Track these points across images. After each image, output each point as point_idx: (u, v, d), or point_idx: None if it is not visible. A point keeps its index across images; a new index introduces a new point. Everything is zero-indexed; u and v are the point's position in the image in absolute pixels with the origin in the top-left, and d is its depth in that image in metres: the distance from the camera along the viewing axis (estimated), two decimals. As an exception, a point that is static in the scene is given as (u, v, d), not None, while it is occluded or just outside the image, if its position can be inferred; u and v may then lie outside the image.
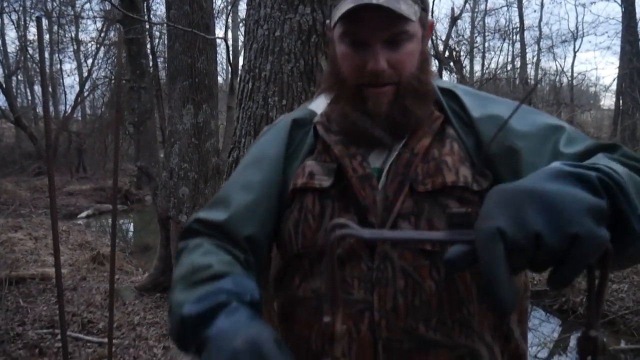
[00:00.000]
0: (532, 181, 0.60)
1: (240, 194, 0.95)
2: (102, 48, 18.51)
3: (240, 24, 17.16)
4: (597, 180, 0.61)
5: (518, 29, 19.88)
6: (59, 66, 23.58)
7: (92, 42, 19.99)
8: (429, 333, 0.82)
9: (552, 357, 5.30)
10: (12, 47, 26.89)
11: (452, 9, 15.90)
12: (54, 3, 19.47)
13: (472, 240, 0.57)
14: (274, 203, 0.96)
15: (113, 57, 17.74)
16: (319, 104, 1.05)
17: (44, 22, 17.95)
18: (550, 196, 0.57)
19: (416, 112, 0.92)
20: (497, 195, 0.60)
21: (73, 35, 21.57)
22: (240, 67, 2.81)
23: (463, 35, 18.50)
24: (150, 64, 13.80)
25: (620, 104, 14.47)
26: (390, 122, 0.92)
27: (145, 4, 13.20)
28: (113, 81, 16.46)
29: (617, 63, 15.69)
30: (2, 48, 20.84)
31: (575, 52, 38.24)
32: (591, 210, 0.56)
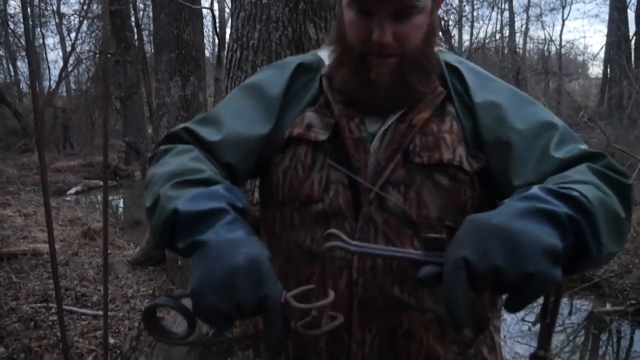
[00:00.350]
0: (502, 216, 0.65)
1: (234, 121, 0.96)
2: (86, 21, 18.15)
3: (226, -5, 16.89)
4: (565, 218, 0.66)
5: (507, -3, 19.75)
6: (41, 40, 23.14)
7: (75, 15, 19.61)
8: (403, 295, 0.87)
9: (539, 319, 5.43)
10: (-8, 22, 26.30)
11: (440, -23, 15.68)
12: (34, -25, 19.01)
13: (441, 263, 0.64)
14: (262, 142, 0.97)
15: (97, 31, 17.43)
16: (328, 55, 1.03)
17: (24, -5, 17.52)
18: (514, 234, 0.62)
19: (417, 87, 0.93)
20: (470, 225, 0.66)
21: (55, 8, 21.12)
22: (227, 38, 2.78)
23: (452, 4, 18.38)
24: (135, 36, 13.58)
25: (608, 72, 14.52)
26: (390, 93, 0.93)
27: (128, -25, 12.92)
28: (98, 55, 16.20)
29: (605, 31, 15.68)
30: (-19, 23, 20.39)
31: (563, 20, 37.90)
32: (548, 252, 0.62)
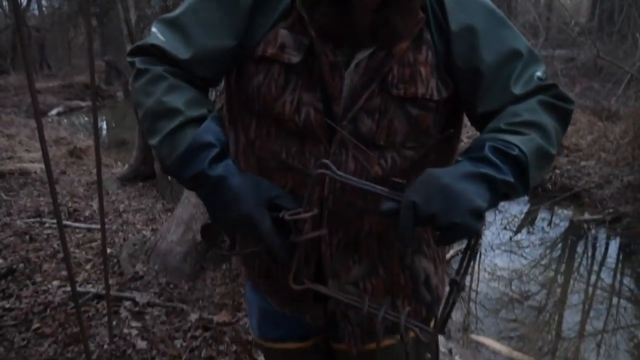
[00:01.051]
0: (450, 177, 0.82)
1: (202, 35, 0.95)
2: None
3: None
4: (501, 184, 0.84)
5: None
6: (7, -46, 21.76)
7: None
8: (367, 204, 0.98)
9: (521, 228, 5.64)
10: None
11: None
12: None
13: (399, 201, 0.83)
14: (233, 53, 0.98)
15: (66, -58, 16.43)
16: None
17: None
18: (453, 193, 0.80)
19: (398, 26, 0.92)
20: (426, 178, 0.84)
21: None
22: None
23: None
24: (109, -53, 12.83)
25: (599, -15, 14.17)
26: (371, 33, 0.92)
27: None
28: (69, -31, 15.38)
29: (599, -60, 15.11)
30: None
31: None
32: (474, 212, 0.80)
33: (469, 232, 0.82)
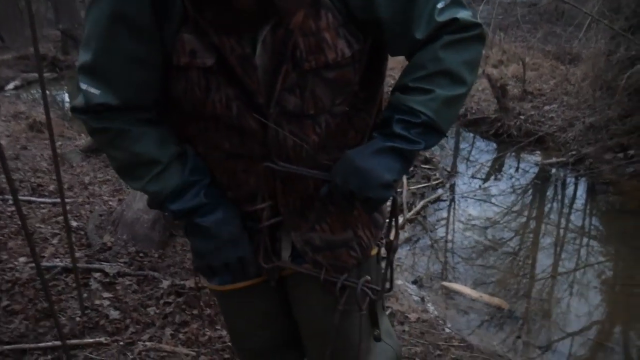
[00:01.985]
0: (362, 157, 0.97)
1: (128, 71, 0.96)
2: None
3: None
4: (409, 153, 0.98)
5: None
6: None
7: None
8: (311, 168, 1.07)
9: (490, 176, 5.73)
10: None
11: None
12: None
13: (329, 181, 1.03)
14: (160, 70, 0.99)
15: None
16: None
17: None
18: (365, 171, 0.96)
19: (285, 2, 0.90)
20: (344, 162, 0.99)
21: None
22: None
23: None
24: None
25: None
26: (258, 14, 0.91)
27: None
28: None
29: None
30: None
31: None
32: (385, 184, 0.96)
33: (382, 202, 1.00)
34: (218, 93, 0.98)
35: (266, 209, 1.11)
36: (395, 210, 1.07)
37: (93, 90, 0.97)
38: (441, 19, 0.97)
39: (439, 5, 0.97)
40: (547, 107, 6.67)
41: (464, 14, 0.99)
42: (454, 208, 4.91)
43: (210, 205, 1.05)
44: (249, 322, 1.33)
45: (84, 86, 0.98)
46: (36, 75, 11.75)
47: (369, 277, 1.17)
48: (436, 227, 4.57)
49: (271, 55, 0.96)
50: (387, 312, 2.77)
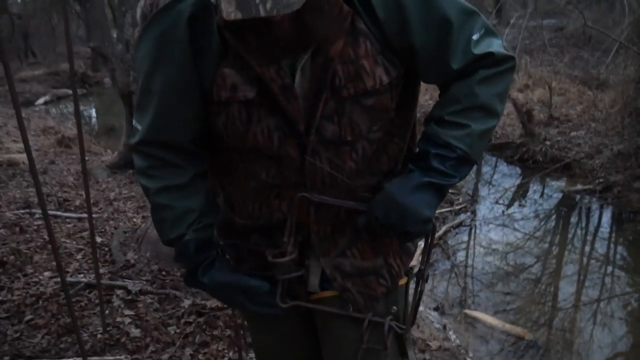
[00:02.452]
0: (403, 192, 1.01)
1: (170, 107, 1.01)
2: None
3: None
4: (447, 188, 1.03)
5: None
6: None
7: None
8: (346, 194, 1.08)
9: (513, 201, 5.66)
10: None
11: None
12: None
13: (367, 212, 1.06)
14: (199, 105, 1.02)
15: None
16: None
17: None
18: (405, 208, 1.00)
19: (319, 28, 0.89)
20: (384, 196, 1.03)
21: None
22: None
23: None
24: None
25: (587, -48, 14.02)
26: (297, 42, 0.91)
27: None
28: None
29: None
30: None
31: None
32: (423, 220, 1.01)
33: (421, 236, 1.07)
34: (259, 125, 0.99)
35: (291, 241, 1.13)
36: (431, 241, 1.10)
37: (138, 126, 1.05)
38: (478, 51, 0.99)
39: (475, 37, 0.99)
40: (573, 133, 6.58)
41: (497, 46, 1.01)
42: (476, 233, 4.86)
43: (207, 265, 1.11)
44: (276, 343, 1.33)
45: (134, 122, 1.07)
46: (66, 91, 12.07)
47: (394, 309, 1.16)
48: (457, 252, 4.52)
49: (310, 83, 0.96)
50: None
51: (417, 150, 1.05)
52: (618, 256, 4.69)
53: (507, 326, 3.38)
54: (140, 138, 1.05)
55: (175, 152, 1.07)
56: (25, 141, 2.03)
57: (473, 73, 1.00)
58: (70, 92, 12.08)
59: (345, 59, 0.95)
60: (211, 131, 1.06)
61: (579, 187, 5.65)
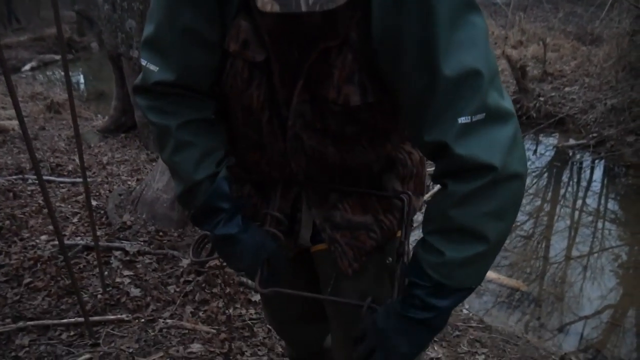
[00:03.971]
0: (391, 329, 0.93)
1: (192, 48, 0.94)
2: None
3: None
4: (441, 322, 0.93)
5: None
6: None
7: None
8: (334, 174, 1.08)
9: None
10: None
11: None
12: None
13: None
14: (217, 50, 0.96)
15: None
16: None
17: None
18: (392, 347, 0.93)
19: (324, 27, 0.87)
20: (375, 328, 0.96)
21: None
22: None
23: None
24: None
25: None
26: (318, 31, 0.88)
27: None
28: None
29: None
30: None
31: None
32: (409, 356, 0.94)
33: None
34: (258, 90, 0.96)
35: (284, 195, 1.13)
36: (408, 217, 1.09)
37: (152, 67, 0.96)
38: (460, 151, 0.80)
39: (462, 120, 0.80)
40: (567, 89, 6.56)
41: (496, 148, 0.81)
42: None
43: (230, 214, 1.04)
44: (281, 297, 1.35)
45: (144, 62, 0.98)
46: (52, 56, 11.82)
47: (390, 260, 1.15)
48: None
49: (294, 74, 0.94)
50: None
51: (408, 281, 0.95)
52: (609, 210, 4.75)
53: (502, 278, 3.43)
54: (158, 79, 0.96)
55: (196, 92, 1.00)
56: (17, 107, 1.99)
57: (445, 186, 0.87)
58: (57, 57, 11.87)
59: (327, 61, 0.90)
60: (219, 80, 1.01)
61: (572, 142, 5.67)
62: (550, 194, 5.04)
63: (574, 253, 3.95)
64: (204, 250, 1.19)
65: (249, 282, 2.64)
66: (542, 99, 6.32)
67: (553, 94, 6.47)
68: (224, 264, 1.13)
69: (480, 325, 2.82)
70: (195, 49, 0.94)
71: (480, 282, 0.93)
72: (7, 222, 3.19)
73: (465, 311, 3.02)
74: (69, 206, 3.54)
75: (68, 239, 2.98)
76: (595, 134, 5.53)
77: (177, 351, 2.19)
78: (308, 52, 0.90)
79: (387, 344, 0.93)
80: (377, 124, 0.99)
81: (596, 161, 5.37)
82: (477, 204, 0.83)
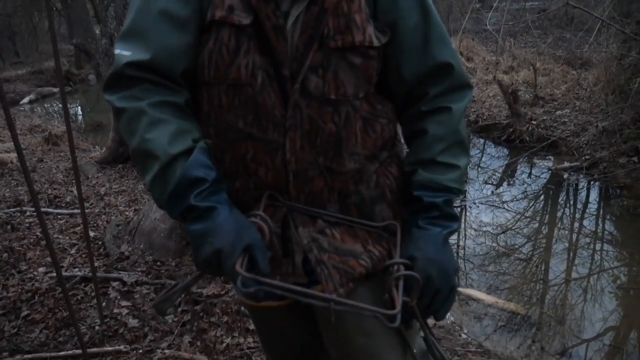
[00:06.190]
0: (436, 252, 1.02)
1: (164, 28, 0.94)
2: None
3: None
4: (455, 228, 1.06)
5: None
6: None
7: None
8: (327, 162, 1.03)
9: (502, 182, 5.71)
10: None
11: None
12: None
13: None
14: (196, 33, 0.97)
15: None
16: None
17: None
18: (444, 265, 1.02)
19: None
20: (423, 262, 1.00)
21: None
22: None
23: None
24: None
25: None
26: None
27: None
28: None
29: None
30: None
31: None
32: (455, 271, 1.05)
33: (453, 289, 1.05)
34: (246, 57, 0.95)
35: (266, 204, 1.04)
36: (400, 239, 1.08)
37: (125, 52, 0.94)
38: (458, 69, 1.05)
39: (453, 46, 1.07)
40: (559, 112, 6.65)
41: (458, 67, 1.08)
42: (466, 214, 4.90)
43: (212, 187, 0.93)
44: (282, 333, 1.31)
45: (117, 51, 0.96)
46: (50, 89, 11.93)
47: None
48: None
49: (301, 32, 0.95)
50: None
51: (420, 202, 1.05)
52: (606, 231, 4.76)
53: (501, 302, 3.43)
54: (130, 59, 0.93)
55: (168, 79, 0.96)
56: (15, 139, 2.03)
57: (447, 109, 1.05)
58: (55, 90, 11.99)
59: (339, 12, 0.95)
60: (195, 67, 1.00)
61: (566, 164, 5.72)
62: (546, 216, 5.06)
63: (573, 275, 3.95)
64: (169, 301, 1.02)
65: (242, 308, 2.64)
66: (534, 122, 6.40)
67: (545, 117, 6.56)
68: (198, 255, 0.92)
69: (480, 350, 2.82)
70: (171, 29, 0.94)
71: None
72: (5, 254, 3.21)
73: (464, 336, 3.01)
74: (67, 237, 3.55)
75: (66, 271, 2.99)
76: (587, 156, 5.58)
77: (176, 381, 2.19)
78: (311, 11, 0.95)
79: (444, 271, 1.01)
80: (375, 103, 1.06)
81: (590, 183, 5.41)
82: (463, 118, 1.07)
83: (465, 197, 5.21)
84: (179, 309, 2.67)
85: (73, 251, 3.32)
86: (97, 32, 4.69)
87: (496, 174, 5.86)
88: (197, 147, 0.94)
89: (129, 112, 0.94)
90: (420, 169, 1.05)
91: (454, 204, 1.06)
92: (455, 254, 4.18)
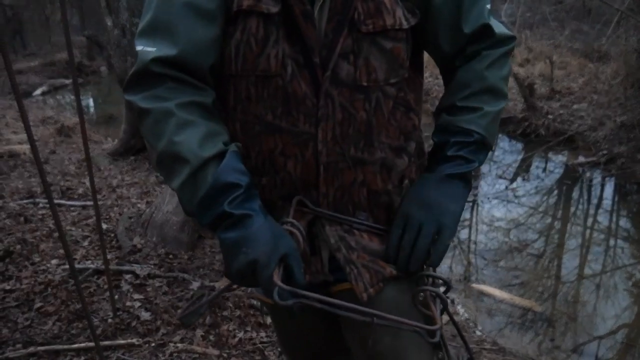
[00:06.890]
0: (425, 189, 1.02)
1: (189, 20, 0.90)
2: None
3: None
4: (470, 172, 1.02)
5: None
6: None
7: None
8: (357, 153, 1.00)
9: (516, 176, 5.64)
10: None
11: None
12: None
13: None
14: (223, 25, 0.93)
15: None
16: None
17: None
18: (430, 202, 1.00)
19: None
20: (408, 197, 1.03)
21: None
22: None
23: None
24: None
25: None
26: None
27: None
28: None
29: None
30: None
31: None
32: (451, 213, 0.99)
33: (452, 235, 1.01)
34: (275, 47, 0.92)
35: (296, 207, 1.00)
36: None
37: (149, 48, 0.90)
38: (496, 28, 1.02)
39: (489, 6, 1.02)
40: (576, 106, 6.55)
41: (500, 25, 1.06)
42: (479, 209, 4.86)
43: (246, 192, 0.89)
44: (302, 332, 1.28)
45: (139, 47, 0.91)
46: (63, 81, 11.99)
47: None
48: (461, 228, 4.52)
49: (329, 18, 0.93)
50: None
51: (433, 144, 1.04)
52: (621, 228, 4.70)
53: (516, 299, 3.39)
54: (157, 55, 0.89)
55: (195, 76, 0.92)
56: (28, 131, 2.01)
57: (478, 54, 1.03)
58: (67, 82, 12.05)
59: None
60: (221, 62, 0.96)
61: (582, 159, 5.64)
62: (561, 211, 5.00)
63: (587, 272, 3.90)
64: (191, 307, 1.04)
65: (257, 303, 2.62)
66: (550, 116, 6.31)
67: (561, 111, 6.46)
68: (230, 263, 0.87)
69: (494, 348, 2.78)
70: (197, 22, 0.90)
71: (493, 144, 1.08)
72: (18, 246, 3.20)
73: (478, 332, 2.98)
74: (80, 230, 3.55)
75: (79, 263, 2.98)
76: (605, 152, 5.50)
77: (188, 376, 2.17)
78: None
79: (436, 210, 0.99)
80: (405, 88, 1.03)
81: (607, 179, 5.33)
82: (501, 67, 1.03)
83: (478, 191, 5.16)
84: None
85: (85, 243, 3.31)
86: (109, 23, 4.67)
87: (510, 168, 5.79)
88: (229, 151, 0.90)
89: (155, 113, 0.89)
90: (444, 114, 1.05)
91: (473, 153, 1.02)
92: (467, 249, 4.16)
